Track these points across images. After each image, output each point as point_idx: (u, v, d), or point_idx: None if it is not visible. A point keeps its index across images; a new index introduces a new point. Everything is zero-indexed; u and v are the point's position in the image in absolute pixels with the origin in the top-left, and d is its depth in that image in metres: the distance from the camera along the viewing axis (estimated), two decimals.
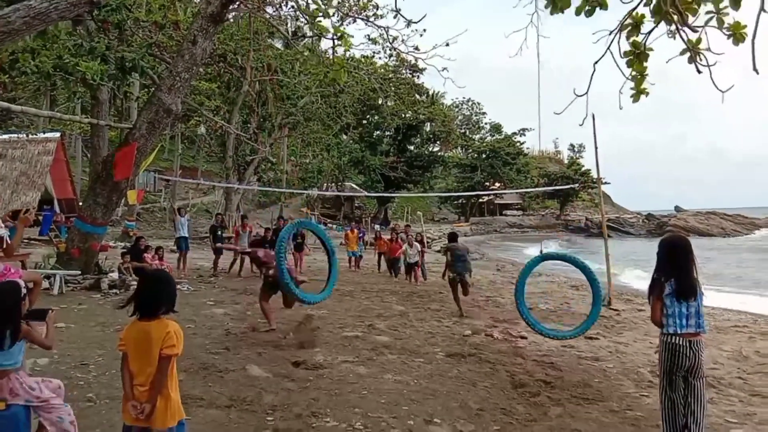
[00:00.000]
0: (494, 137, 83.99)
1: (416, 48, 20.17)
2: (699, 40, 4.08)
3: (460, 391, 6.17)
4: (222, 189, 35.24)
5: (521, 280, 8.00)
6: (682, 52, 4.15)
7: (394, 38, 30.58)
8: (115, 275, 12.59)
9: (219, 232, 16.97)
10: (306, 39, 26.26)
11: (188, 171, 49.27)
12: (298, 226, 9.72)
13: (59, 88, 23.65)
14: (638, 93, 4.56)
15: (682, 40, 4.12)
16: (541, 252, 7.98)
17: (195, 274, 15.96)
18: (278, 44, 31.52)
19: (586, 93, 4.56)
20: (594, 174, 20.89)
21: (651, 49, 4.40)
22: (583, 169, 73.67)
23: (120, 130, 17.75)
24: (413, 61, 42.50)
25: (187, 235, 15.83)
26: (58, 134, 27.75)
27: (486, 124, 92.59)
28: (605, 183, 71.49)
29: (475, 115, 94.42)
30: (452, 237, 12.46)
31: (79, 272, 12.04)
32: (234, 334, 8.47)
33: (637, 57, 4.39)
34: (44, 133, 27.69)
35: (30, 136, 23.72)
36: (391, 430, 4.97)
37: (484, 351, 8.09)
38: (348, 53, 31.34)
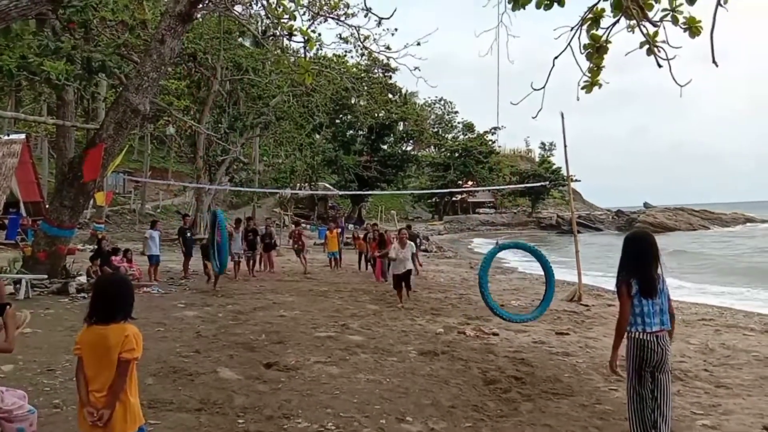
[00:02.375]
0: (466, 136, 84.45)
1: (388, 47, 20.26)
2: (656, 34, 4.17)
3: (432, 388, 6.19)
4: (193, 190, 34.89)
5: (483, 271, 8.19)
6: (641, 45, 4.23)
7: (366, 37, 30.60)
8: (83, 279, 12.39)
9: (188, 234, 16.80)
10: (276, 38, 26.09)
11: (158, 172, 48.71)
12: None
13: (24, 88, 23.17)
14: (592, 84, 4.65)
15: (642, 33, 4.21)
16: (497, 244, 8.37)
17: (165, 276, 15.77)
18: (248, 43, 31.30)
19: (543, 87, 4.65)
20: (565, 171, 21.17)
21: (609, 42, 4.49)
22: (554, 167, 74.55)
23: (87, 131, 17.43)
24: (385, 61, 42.56)
25: (158, 253, 15.62)
26: (23, 136, 27.11)
27: (458, 123, 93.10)
28: (575, 181, 72.51)
29: (448, 114, 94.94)
30: (408, 227, 17.18)
31: (46, 276, 11.81)
32: (205, 336, 8.38)
33: (597, 50, 4.47)
34: (9, 134, 27.04)
35: None
36: (363, 429, 4.97)
37: (457, 348, 8.13)
38: (319, 53, 31.35)
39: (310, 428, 4.93)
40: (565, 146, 14.50)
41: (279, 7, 10.71)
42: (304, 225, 50.69)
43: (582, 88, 4.66)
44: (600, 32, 4.50)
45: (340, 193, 52.45)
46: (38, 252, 12.20)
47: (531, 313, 8.63)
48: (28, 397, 4.01)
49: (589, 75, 4.62)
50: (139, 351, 3.31)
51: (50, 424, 4.66)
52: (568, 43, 4.44)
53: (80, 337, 3.36)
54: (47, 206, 18.83)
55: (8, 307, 3.69)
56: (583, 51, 4.50)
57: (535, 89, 4.65)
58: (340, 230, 22.42)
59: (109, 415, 3.20)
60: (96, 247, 14.98)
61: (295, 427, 4.95)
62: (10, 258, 13.90)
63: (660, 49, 4.17)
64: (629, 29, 4.38)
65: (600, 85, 4.64)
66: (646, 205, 76.81)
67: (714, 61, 3.80)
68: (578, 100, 4.67)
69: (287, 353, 7.48)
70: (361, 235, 21.12)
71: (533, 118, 4.95)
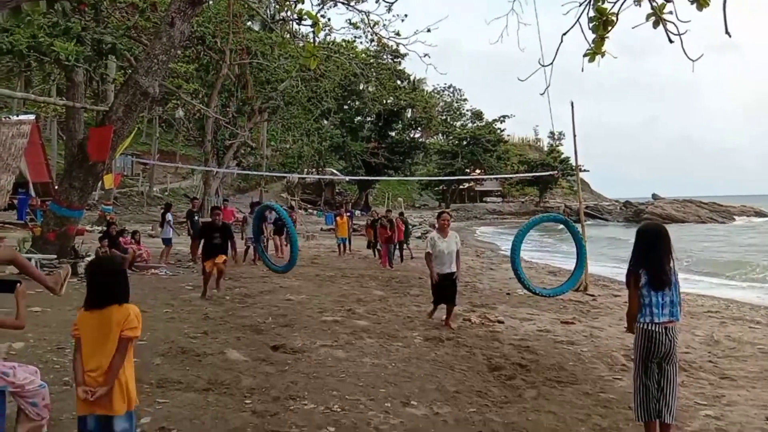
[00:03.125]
0: (475, 124, 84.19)
1: (397, 33, 20.15)
2: (663, 6, 4.13)
3: (437, 374, 6.24)
4: (200, 174, 35.01)
5: (516, 246, 8.08)
6: (648, 18, 4.20)
7: (375, 23, 30.45)
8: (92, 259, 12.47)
9: (195, 217, 16.88)
10: (285, 22, 26.04)
11: (166, 155, 48.77)
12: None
13: (34, 69, 23.21)
14: (595, 53, 4.62)
15: (651, 5, 4.17)
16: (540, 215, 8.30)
17: (173, 258, 15.87)
18: (257, 27, 31.23)
19: (551, 64, 4.64)
20: (573, 161, 21.07)
21: (615, 14, 4.46)
22: (562, 156, 74.24)
23: (96, 112, 17.48)
24: (394, 47, 42.36)
25: (171, 236, 16.02)
26: (32, 117, 27.23)
27: (467, 111, 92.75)
28: (584, 170, 72.22)
29: (456, 102, 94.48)
30: (401, 214, 18.54)
31: (55, 256, 11.89)
32: (212, 318, 8.45)
33: (603, 24, 4.45)
34: (18, 115, 27.15)
35: (4, 118, 23.25)
36: (369, 412, 5.02)
37: (462, 335, 8.17)
38: (328, 38, 31.25)
39: (316, 410, 4.98)
40: (575, 136, 14.41)
41: None
42: (310, 210, 50.98)
43: (585, 56, 4.63)
44: (608, 6, 4.48)
45: (348, 178, 52.42)
46: (47, 232, 12.28)
47: (561, 287, 8.61)
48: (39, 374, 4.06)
49: (593, 46, 4.60)
50: (140, 330, 3.32)
51: (61, 401, 4.72)
52: (577, 19, 4.42)
53: (79, 318, 3.36)
54: (56, 187, 18.94)
55: (18, 284, 3.72)
56: (589, 24, 4.47)
57: (543, 65, 4.64)
58: (349, 215, 22.46)
59: (106, 392, 3.19)
60: (105, 228, 15.12)
61: (302, 408, 5.01)
62: (19, 238, 14.02)
63: (669, 22, 4.13)
64: (636, 3, 4.34)
65: (603, 54, 4.61)
66: (654, 196, 76.47)
67: (727, 32, 3.77)
68: (582, 71, 4.67)
69: (294, 336, 7.54)
70: (369, 222, 21.18)
71: (540, 94, 4.95)
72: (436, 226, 8.88)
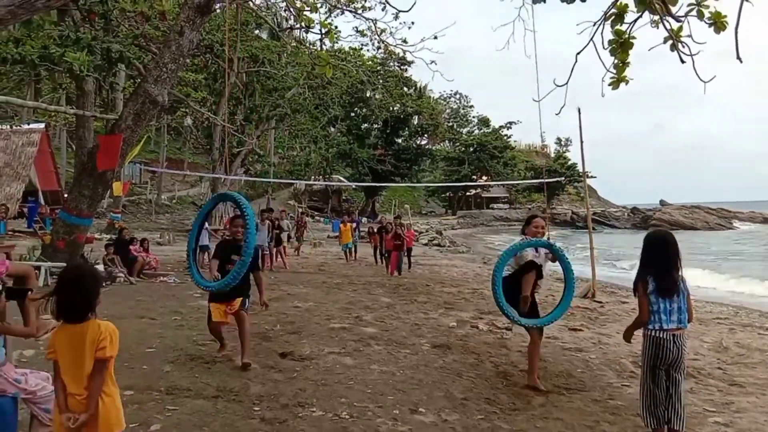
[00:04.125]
0: (482, 131, 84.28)
1: (404, 41, 20.21)
2: (680, 29, 4.14)
3: (445, 381, 6.25)
4: (208, 181, 35.18)
5: (498, 271, 7.87)
6: (665, 40, 4.20)
7: (382, 30, 30.54)
8: (100, 267, 12.55)
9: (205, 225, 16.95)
10: (294, 30, 26.17)
11: (174, 163, 49.05)
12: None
13: (44, 78, 23.41)
14: (618, 81, 4.61)
15: (665, 29, 4.17)
16: (524, 238, 7.83)
17: (181, 266, 15.91)
18: (264, 35, 31.41)
19: (566, 83, 4.62)
20: (580, 167, 21.03)
21: (634, 38, 4.46)
22: (569, 162, 74.13)
23: (106, 121, 17.61)
24: (401, 54, 42.50)
25: (208, 243, 16.12)
26: (42, 125, 27.47)
27: (474, 117, 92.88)
28: (591, 177, 72.04)
29: (463, 109, 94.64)
30: (396, 217, 18.41)
31: (65, 264, 11.98)
32: None
33: (621, 46, 4.45)
34: (28, 124, 27.39)
35: (14, 127, 23.42)
36: (377, 419, 5.03)
37: (470, 342, 8.17)
38: (335, 46, 31.38)
39: (325, 417, 5.00)
40: (582, 142, 14.43)
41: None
42: (317, 217, 51.12)
43: (609, 85, 4.61)
44: (624, 27, 4.46)
45: (354, 185, 52.50)
46: (57, 240, 12.37)
47: (548, 316, 8.42)
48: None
49: (615, 71, 4.58)
50: (114, 349, 3.12)
51: None
52: (591, 39, 4.41)
53: (53, 339, 3.13)
54: (66, 195, 19.07)
55: (30, 292, 3.69)
56: (606, 47, 4.47)
57: (558, 85, 4.62)
58: (355, 224, 22.56)
59: (93, 416, 3.02)
60: (116, 236, 15.23)
61: (310, 415, 5.03)
62: (29, 246, 14.12)
63: (684, 44, 4.13)
64: (653, 24, 4.34)
65: (627, 81, 4.60)
66: (662, 202, 76.17)
67: (738, 57, 3.77)
68: (603, 96, 4.65)
69: (302, 343, 7.56)
70: (375, 229, 21.24)
71: (556, 114, 4.90)
72: (526, 233, 6.55)
